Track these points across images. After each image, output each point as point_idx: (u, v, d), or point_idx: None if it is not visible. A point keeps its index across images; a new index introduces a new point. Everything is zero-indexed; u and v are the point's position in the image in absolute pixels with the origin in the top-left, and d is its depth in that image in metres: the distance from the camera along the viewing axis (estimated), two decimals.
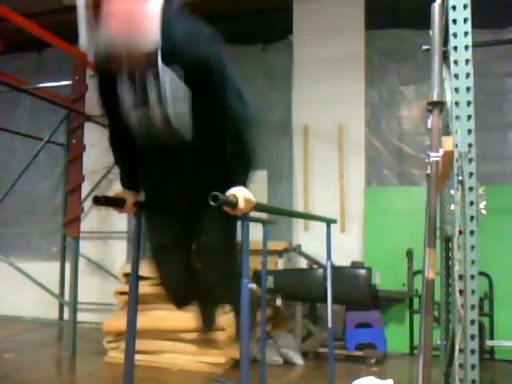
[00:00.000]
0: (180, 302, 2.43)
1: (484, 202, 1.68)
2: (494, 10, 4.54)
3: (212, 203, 1.61)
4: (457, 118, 1.74)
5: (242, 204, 1.77)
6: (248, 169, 1.95)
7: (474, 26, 1.76)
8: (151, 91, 1.85)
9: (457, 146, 1.70)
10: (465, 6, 1.77)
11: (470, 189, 1.69)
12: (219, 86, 1.90)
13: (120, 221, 5.62)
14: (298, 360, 4.07)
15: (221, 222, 2.03)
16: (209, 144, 1.99)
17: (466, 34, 1.76)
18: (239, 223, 1.87)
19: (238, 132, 1.93)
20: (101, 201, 2.01)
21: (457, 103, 1.74)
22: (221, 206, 1.74)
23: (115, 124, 2.10)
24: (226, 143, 1.97)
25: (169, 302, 2.43)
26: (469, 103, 1.73)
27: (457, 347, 1.66)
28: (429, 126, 1.54)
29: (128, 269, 4.17)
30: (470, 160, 1.70)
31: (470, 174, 1.69)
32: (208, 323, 2.58)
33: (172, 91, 1.83)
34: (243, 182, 1.89)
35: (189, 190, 2.04)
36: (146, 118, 1.91)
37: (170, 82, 1.82)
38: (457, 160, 1.70)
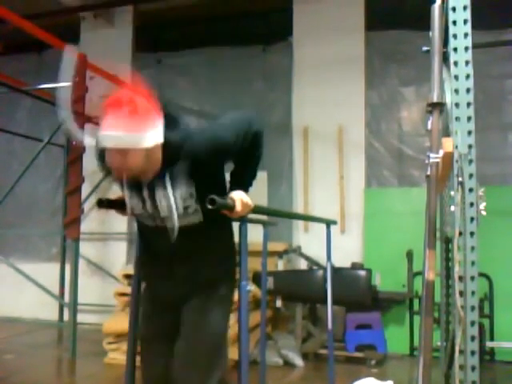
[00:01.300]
0: None
1: (484, 204, 1.68)
2: (493, 11, 4.54)
3: (209, 206, 1.61)
4: (457, 119, 1.74)
5: (238, 207, 1.77)
6: (252, 176, 1.95)
7: (473, 27, 1.77)
8: (162, 209, 1.80)
9: (457, 147, 1.70)
10: (465, 8, 1.77)
11: (470, 190, 1.69)
12: (229, 155, 1.85)
13: (120, 222, 5.61)
14: (298, 361, 4.07)
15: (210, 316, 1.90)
16: (214, 227, 1.91)
17: (465, 35, 1.76)
18: (239, 223, 1.86)
19: (248, 145, 1.89)
20: (104, 204, 2.00)
21: (457, 104, 1.74)
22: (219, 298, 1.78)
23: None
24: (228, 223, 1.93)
25: None
26: (469, 104, 1.74)
27: (457, 348, 1.66)
28: (429, 127, 1.53)
29: (128, 270, 4.19)
30: (470, 161, 1.70)
31: (470, 176, 1.69)
32: None
33: (184, 209, 1.79)
34: (243, 187, 1.89)
35: (184, 285, 1.92)
36: (156, 225, 1.86)
37: (182, 200, 1.78)
38: (457, 161, 1.70)
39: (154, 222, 1.86)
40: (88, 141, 1.74)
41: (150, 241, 1.99)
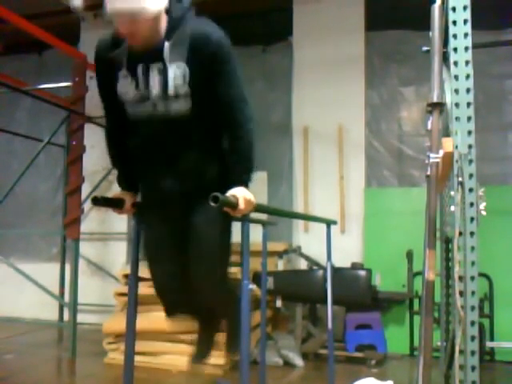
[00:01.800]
0: (170, 307, 2.34)
1: (484, 204, 1.68)
2: (493, 11, 4.54)
3: (212, 204, 1.61)
4: (457, 119, 1.74)
5: (242, 205, 1.77)
6: (250, 170, 1.95)
7: (473, 27, 1.77)
8: (154, 86, 1.86)
9: (457, 147, 1.70)
10: (465, 8, 1.77)
11: (470, 190, 1.69)
12: (226, 86, 1.91)
13: (120, 222, 5.62)
14: (298, 361, 4.07)
15: (216, 223, 2.00)
16: (207, 140, 2.00)
17: (465, 35, 1.76)
18: (239, 224, 1.86)
19: (241, 133, 1.93)
20: (100, 201, 2.02)
21: (457, 104, 1.74)
22: (219, 208, 1.74)
23: (113, 118, 2.10)
24: (222, 140, 2.01)
25: (161, 306, 2.36)
26: (469, 104, 1.74)
27: (457, 348, 1.66)
28: (429, 127, 1.54)
29: (128, 270, 4.18)
30: (470, 161, 1.70)
31: (470, 176, 1.69)
32: (202, 352, 2.47)
33: (175, 87, 1.84)
34: (244, 183, 1.89)
35: (185, 187, 2.01)
36: (147, 112, 1.91)
37: (174, 78, 1.83)
38: (457, 161, 1.70)
39: (144, 108, 1.90)
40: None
41: (144, 141, 2.02)
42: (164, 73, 1.83)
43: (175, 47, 1.82)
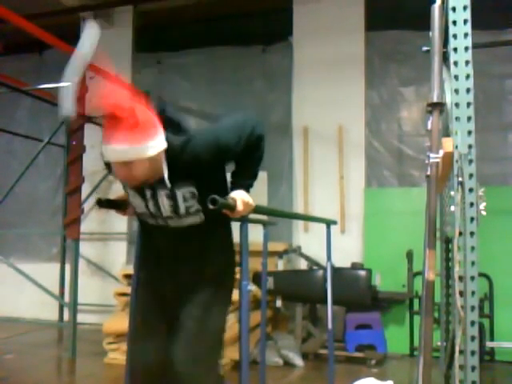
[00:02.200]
0: None
1: (484, 204, 1.68)
2: (493, 11, 4.54)
3: (211, 206, 1.61)
4: (457, 119, 1.74)
5: (240, 207, 1.77)
6: (253, 177, 1.95)
7: (473, 27, 1.76)
8: (164, 208, 1.83)
9: (457, 147, 1.70)
10: (464, 8, 1.77)
11: (470, 190, 1.69)
12: (231, 154, 1.86)
13: (120, 222, 5.62)
14: (298, 361, 4.07)
15: (211, 306, 1.91)
16: (217, 230, 1.95)
17: (465, 35, 1.76)
18: (239, 223, 1.86)
19: (250, 148, 1.90)
20: (103, 204, 2.02)
21: (457, 104, 1.74)
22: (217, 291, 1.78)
23: None
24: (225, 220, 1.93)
25: None
26: (469, 104, 1.73)
27: (457, 348, 1.66)
28: (429, 127, 1.53)
29: (128, 270, 4.19)
30: (470, 161, 1.70)
31: (470, 176, 1.69)
32: None
33: (186, 208, 1.82)
34: (245, 187, 1.89)
35: (186, 272, 1.94)
36: (158, 225, 1.89)
37: (184, 201, 1.81)
38: (457, 161, 1.70)
39: (156, 221, 1.89)
40: (68, 110, 1.74)
41: (152, 239, 2.00)
42: (173, 197, 1.81)
43: (178, 173, 1.77)
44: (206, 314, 1.88)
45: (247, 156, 1.89)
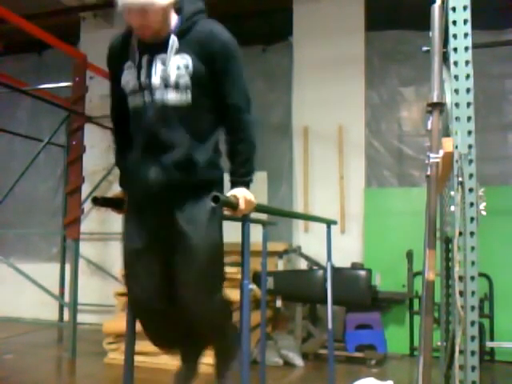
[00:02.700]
0: (155, 333, 2.12)
1: (484, 204, 1.68)
2: (493, 11, 4.54)
3: (212, 204, 1.61)
4: (457, 119, 1.74)
5: (242, 205, 1.77)
6: (251, 171, 1.94)
7: (473, 27, 1.77)
8: (155, 75, 1.87)
9: (457, 147, 1.70)
10: (465, 8, 1.77)
11: (470, 190, 1.69)
12: (230, 87, 1.92)
13: (120, 222, 5.59)
14: (298, 361, 4.07)
15: (206, 227, 1.88)
16: (200, 136, 1.93)
17: (465, 35, 1.76)
18: (239, 224, 1.86)
19: (244, 135, 1.91)
20: (99, 201, 2.02)
21: (457, 104, 1.74)
22: (209, 211, 1.76)
23: (118, 114, 2.11)
24: (215, 140, 1.97)
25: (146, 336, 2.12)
26: (469, 104, 1.74)
27: (457, 348, 1.66)
28: (429, 127, 1.54)
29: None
30: (470, 161, 1.70)
31: (470, 176, 1.69)
32: (187, 375, 2.23)
33: (176, 76, 1.85)
34: (245, 184, 1.89)
35: (171, 179, 1.88)
36: (145, 102, 1.90)
37: (177, 67, 1.85)
38: (457, 161, 1.70)
39: (142, 98, 1.89)
40: None
41: (139, 130, 1.95)
42: (167, 63, 1.86)
43: (183, 40, 1.86)
44: (201, 231, 1.85)
45: (234, 133, 1.93)
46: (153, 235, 1.94)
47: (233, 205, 1.74)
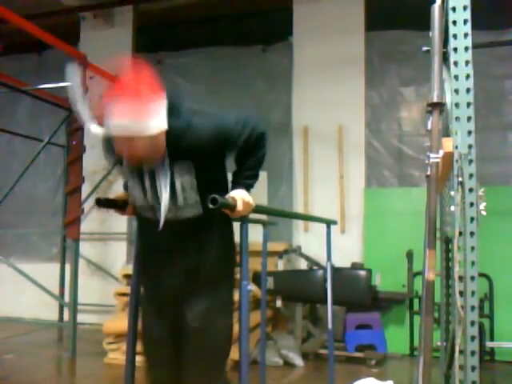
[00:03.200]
0: None
1: (484, 204, 1.68)
2: (494, 11, 4.54)
3: (211, 206, 1.61)
4: (457, 119, 1.74)
5: (240, 207, 1.77)
6: (254, 177, 1.95)
7: (473, 27, 1.76)
8: (161, 186, 1.82)
9: (457, 147, 1.70)
10: (465, 8, 1.77)
11: (470, 190, 1.68)
12: (232, 146, 1.88)
13: (120, 222, 5.62)
14: (298, 361, 4.07)
15: (217, 314, 1.91)
16: (212, 226, 1.93)
17: (465, 35, 1.76)
18: (238, 224, 1.86)
19: (252, 142, 1.91)
20: (103, 203, 2.02)
21: (457, 104, 1.74)
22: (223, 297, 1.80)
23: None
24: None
25: None
26: (469, 104, 1.73)
27: (457, 348, 1.66)
28: (429, 127, 1.53)
29: (128, 270, 4.19)
30: (470, 161, 1.70)
31: (470, 176, 1.69)
32: None
33: (184, 199, 1.83)
34: (246, 186, 1.89)
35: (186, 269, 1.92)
36: (156, 217, 1.87)
37: (182, 190, 1.82)
38: (457, 161, 1.70)
39: (154, 215, 1.87)
40: (95, 130, 1.76)
41: (150, 235, 1.97)
42: (172, 186, 1.81)
43: (177, 160, 1.80)
44: (209, 324, 1.87)
45: (249, 152, 1.89)
46: (166, 324, 1.97)
47: (230, 206, 1.74)
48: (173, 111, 1.76)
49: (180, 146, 1.77)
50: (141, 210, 1.93)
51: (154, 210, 1.86)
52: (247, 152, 1.89)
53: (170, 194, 1.81)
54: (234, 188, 1.87)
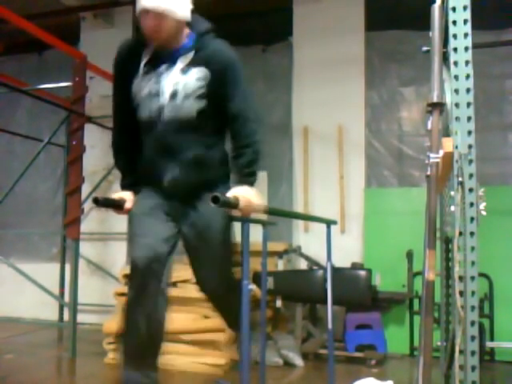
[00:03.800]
0: (135, 326, 2.13)
1: (484, 204, 1.68)
2: (494, 11, 4.54)
3: (212, 204, 1.61)
4: (457, 119, 1.74)
5: (242, 204, 1.78)
6: (255, 172, 1.99)
7: (473, 27, 1.77)
8: (174, 83, 1.99)
9: (457, 147, 1.70)
10: (465, 8, 1.77)
11: (470, 190, 1.69)
12: (236, 98, 2.05)
13: (120, 222, 5.60)
14: (298, 361, 4.07)
15: (217, 220, 2.10)
16: (210, 139, 2.11)
17: (465, 35, 1.76)
18: (239, 224, 1.86)
19: (248, 142, 1.99)
20: (100, 202, 2.04)
21: (457, 104, 1.74)
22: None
23: (121, 120, 2.19)
24: (224, 145, 2.15)
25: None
26: (469, 104, 1.74)
27: (457, 348, 1.66)
28: (429, 127, 1.54)
29: (128, 270, 4.18)
30: (470, 161, 1.70)
31: (470, 176, 1.69)
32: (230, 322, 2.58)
33: (195, 87, 1.99)
34: (249, 182, 1.92)
35: (187, 179, 2.09)
36: (160, 107, 2.02)
37: (197, 79, 1.99)
38: (457, 161, 1.70)
39: (158, 103, 2.02)
40: None
41: (152, 135, 2.10)
42: (186, 73, 2.00)
43: (195, 55, 2.01)
44: (214, 230, 2.10)
45: (240, 132, 2.05)
46: (166, 206, 2.12)
47: (232, 205, 1.74)
48: (199, 22, 2.08)
49: (200, 54, 2.02)
50: (145, 100, 2.04)
51: (160, 95, 2.00)
52: (239, 131, 2.05)
53: (184, 80, 1.99)
54: (236, 185, 1.90)
